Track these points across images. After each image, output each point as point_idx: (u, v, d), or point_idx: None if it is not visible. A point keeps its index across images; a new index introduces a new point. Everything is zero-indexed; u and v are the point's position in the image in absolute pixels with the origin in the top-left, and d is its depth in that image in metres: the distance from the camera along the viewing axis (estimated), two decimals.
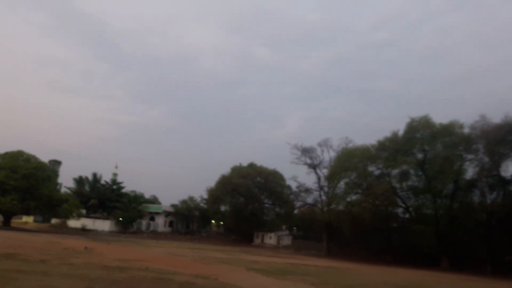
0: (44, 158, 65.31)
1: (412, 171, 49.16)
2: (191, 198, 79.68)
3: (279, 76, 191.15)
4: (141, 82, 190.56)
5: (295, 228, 77.60)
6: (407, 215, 51.08)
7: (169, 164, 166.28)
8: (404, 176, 49.49)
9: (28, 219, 72.69)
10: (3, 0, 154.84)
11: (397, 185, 50.13)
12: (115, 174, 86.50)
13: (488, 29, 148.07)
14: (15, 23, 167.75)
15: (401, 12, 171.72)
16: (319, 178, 61.45)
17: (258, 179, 69.32)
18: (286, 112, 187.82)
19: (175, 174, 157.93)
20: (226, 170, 73.19)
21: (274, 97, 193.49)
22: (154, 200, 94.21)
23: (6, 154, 54.73)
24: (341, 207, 53.62)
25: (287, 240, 69.02)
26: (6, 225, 53.26)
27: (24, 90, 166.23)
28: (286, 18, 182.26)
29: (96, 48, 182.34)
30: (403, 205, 50.32)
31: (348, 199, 52.70)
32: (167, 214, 78.75)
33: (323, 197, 61.14)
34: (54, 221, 67.88)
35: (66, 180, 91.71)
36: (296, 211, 68.99)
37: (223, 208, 72.71)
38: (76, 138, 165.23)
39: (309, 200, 64.17)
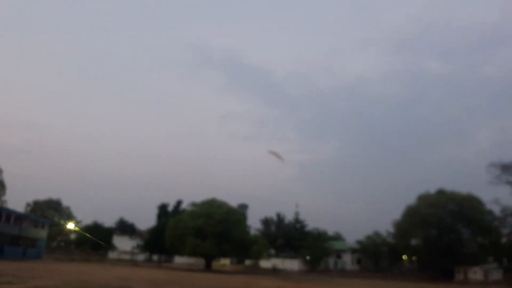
0: (233, 203, 71.03)
1: None
2: (377, 233, 75.54)
3: (458, 88, 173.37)
4: (310, 120, 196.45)
5: (505, 259, 66.17)
6: None
7: (348, 198, 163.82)
8: None
9: (225, 261, 78.81)
10: (187, 66, 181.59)
11: None
12: (296, 213, 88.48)
13: None
14: (198, 84, 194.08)
15: None
16: None
17: (451, 206, 61.72)
18: (473, 127, 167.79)
19: (356, 208, 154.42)
20: (411, 199, 67.42)
21: (456, 112, 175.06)
22: (337, 237, 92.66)
23: (203, 203, 60.84)
24: None
25: (496, 274, 58.81)
26: (208, 268, 58.34)
27: (211, 143, 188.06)
28: (457, 24, 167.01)
29: (266, 96, 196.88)
30: None
31: None
32: (353, 251, 76.12)
33: None
34: (247, 262, 71.99)
35: (253, 222, 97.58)
36: (504, 239, 59.18)
37: (413, 241, 66.64)
38: (258, 181, 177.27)
39: None
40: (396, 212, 78.30)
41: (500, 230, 57.13)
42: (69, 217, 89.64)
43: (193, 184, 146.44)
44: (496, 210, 57.12)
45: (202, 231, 54.80)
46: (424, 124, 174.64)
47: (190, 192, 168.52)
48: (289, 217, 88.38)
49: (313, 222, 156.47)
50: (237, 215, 62.13)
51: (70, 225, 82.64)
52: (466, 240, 63.72)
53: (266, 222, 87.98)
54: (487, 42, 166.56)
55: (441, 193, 64.66)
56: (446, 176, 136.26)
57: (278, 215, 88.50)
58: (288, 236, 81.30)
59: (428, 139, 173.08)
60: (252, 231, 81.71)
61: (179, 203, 79.27)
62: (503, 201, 55.75)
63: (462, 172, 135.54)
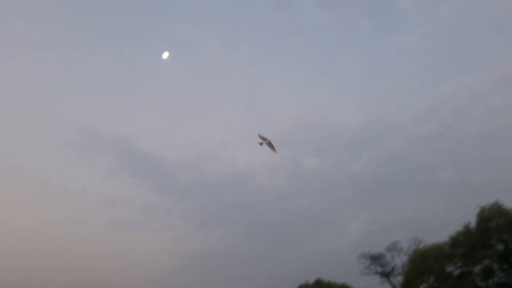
0: None
1: (496, 266, 44.53)
2: None
3: (332, 182, 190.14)
4: (199, 208, 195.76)
5: None
6: None
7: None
8: (488, 272, 44.75)
9: None
10: (72, 149, 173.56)
11: (483, 284, 45.10)
12: None
13: None
14: (83, 168, 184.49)
15: (446, 102, 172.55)
16: (394, 287, 56.80)
17: None
18: (345, 218, 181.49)
19: None
20: None
21: (331, 204, 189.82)
22: None
23: None
24: None
25: None
26: None
27: (90, 232, 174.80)
28: (330, 126, 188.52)
29: (157, 182, 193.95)
30: None
31: None
32: None
33: None
34: None
35: None
36: None
37: None
38: (141, 272, 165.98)
39: None
40: None
41: None
42: None
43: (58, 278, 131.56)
44: None
45: None
46: (304, 215, 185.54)
47: None
48: None
49: None
50: None
51: None
52: None
53: None
54: (354, 143, 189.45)
55: (318, 283, 68.04)
56: (324, 265, 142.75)
57: None
58: None
59: (307, 229, 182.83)
60: None
61: None
62: None
63: (338, 262, 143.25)
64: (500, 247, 44.09)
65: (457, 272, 47.38)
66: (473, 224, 46.25)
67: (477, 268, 45.40)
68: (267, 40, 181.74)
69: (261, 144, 26.27)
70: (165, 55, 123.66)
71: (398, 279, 56.15)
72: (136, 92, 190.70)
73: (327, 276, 73.73)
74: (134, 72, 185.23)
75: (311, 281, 70.25)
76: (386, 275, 57.56)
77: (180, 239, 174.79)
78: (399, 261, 60.84)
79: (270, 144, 26.91)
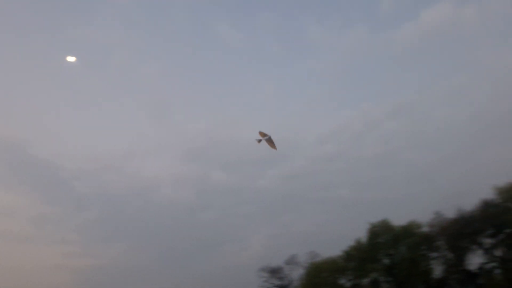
0: None
1: (382, 278, 48.17)
2: None
3: (238, 197, 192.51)
4: (98, 221, 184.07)
5: None
6: None
7: None
8: (375, 284, 48.23)
9: None
10: None
11: None
12: None
13: (426, 129, 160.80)
14: None
15: (345, 126, 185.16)
16: None
17: None
18: (249, 232, 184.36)
19: None
20: None
21: (236, 218, 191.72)
22: None
23: None
24: None
25: None
26: None
27: None
28: (239, 142, 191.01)
29: (49, 191, 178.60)
30: None
31: None
32: None
33: None
34: None
35: None
36: None
37: None
38: None
39: None
40: None
41: None
42: None
43: None
44: None
45: None
46: (209, 230, 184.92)
47: None
48: None
49: None
50: None
51: None
52: None
53: None
54: (262, 160, 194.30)
55: None
56: (230, 279, 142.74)
57: None
58: None
59: (213, 243, 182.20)
60: None
61: None
62: None
63: (240, 277, 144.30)
64: (387, 261, 47.84)
65: (348, 284, 50.40)
66: (364, 239, 49.64)
67: (366, 281, 48.59)
68: (181, 55, 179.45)
69: (259, 141, 25.14)
70: (71, 58, 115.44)
71: None
72: (33, 95, 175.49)
73: None
74: (32, 72, 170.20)
75: None
76: (284, 287, 58.93)
77: (75, 254, 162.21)
78: (297, 274, 63.00)
79: (269, 140, 25.80)
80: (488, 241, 42.88)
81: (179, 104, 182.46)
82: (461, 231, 42.05)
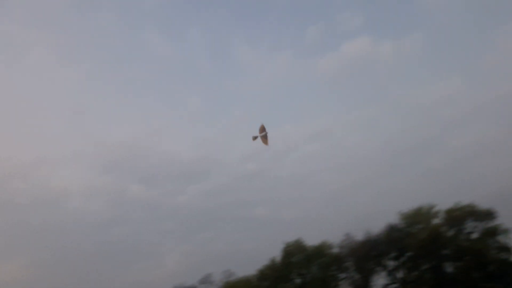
0: None
1: None
2: None
3: (155, 212, 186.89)
4: None
5: None
6: None
7: None
8: None
9: None
10: None
11: None
12: None
13: (341, 154, 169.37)
14: None
15: (267, 146, 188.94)
16: None
17: None
18: (165, 249, 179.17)
19: None
20: None
21: (151, 234, 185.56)
22: None
23: None
24: None
25: None
26: None
27: None
28: (161, 155, 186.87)
29: None
30: None
31: None
32: None
33: None
34: None
35: None
36: None
37: None
38: None
39: None
40: None
41: None
42: None
43: None
44: None
45: None
46: (122, 245, 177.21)
47: None
48: None
49: None
50: None
51: None
52: None
53: None
54: (183, 175, 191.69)
55: None
56: None
57: None
58: None
59: (125, 259, 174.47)
60: None
61: None
62: None
63: None
64: (299, 280, 48.91)
65: None
66: (278, 258, 50.41)
67: None
68: (106, 60, 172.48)
69: (255, 138, 23.93)
70: None
71: None
72: None
73: None
74: None
75: None
76: None
77: None
78: None
79: (265, 137, 24.71)
80: (391, 263, 45.74)
81: (100, 112, 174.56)
82: (368, 253, 44.30)
